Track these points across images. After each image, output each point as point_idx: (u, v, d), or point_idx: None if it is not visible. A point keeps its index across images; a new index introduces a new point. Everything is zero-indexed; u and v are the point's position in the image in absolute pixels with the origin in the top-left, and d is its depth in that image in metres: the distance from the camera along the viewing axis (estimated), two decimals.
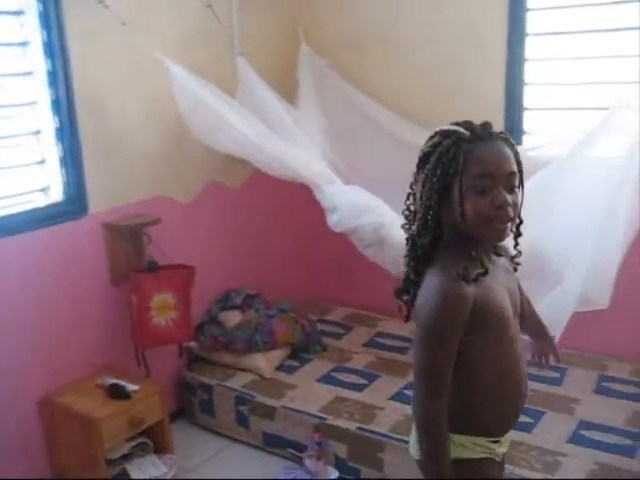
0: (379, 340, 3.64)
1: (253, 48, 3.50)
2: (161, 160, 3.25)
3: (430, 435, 1.55)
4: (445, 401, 1.53)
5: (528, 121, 3.36)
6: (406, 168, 3.27)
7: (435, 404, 1.52)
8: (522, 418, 2.71)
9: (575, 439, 2.71)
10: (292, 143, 3.17)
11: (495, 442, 1.64)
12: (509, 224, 1.52)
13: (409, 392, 3.07)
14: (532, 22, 3.22)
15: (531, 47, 3.25)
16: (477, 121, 3.30)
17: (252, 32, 3.57)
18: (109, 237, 3.03)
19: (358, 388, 3.16)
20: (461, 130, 1.53)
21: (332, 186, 3.10)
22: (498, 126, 3.21)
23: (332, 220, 3.08)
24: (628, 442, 2.67)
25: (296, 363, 3.42)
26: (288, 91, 3.50)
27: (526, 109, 3.34)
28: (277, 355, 3.39)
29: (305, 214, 3.73)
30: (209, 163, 3.45)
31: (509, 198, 1.49)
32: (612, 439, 2.70)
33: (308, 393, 3.14)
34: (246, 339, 3.33)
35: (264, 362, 3.32)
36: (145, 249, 3.11)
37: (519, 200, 1.53)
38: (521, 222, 1.61)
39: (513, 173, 1.51)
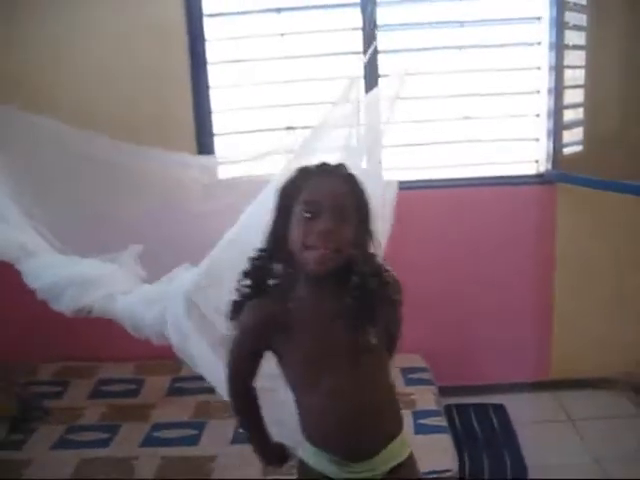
0: (104, 389, 3.43)
1: None
2: None
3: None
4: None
5: (219, 146, 3.50)
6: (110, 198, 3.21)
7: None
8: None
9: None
10: None
11: (336, 461, 1.63)
12: (330, 253, 1.51)
13: (158, 433, 3.01)
14: (211, 53, 3.38)
15: (214, 75, 3.41)
16: (170, 147, 3.38)
17: None
18: None
19: (102, 444, 2.93)
20: (309, 166, 1.62)
21: (33, 260, 2.75)
22: (191, 151, 3.41)
23: (42, 298, 2.81)
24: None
25: (20, 436, 3.03)
26: None
27: (216, 135, 3.47)
28: None
29: None
30: None
31: (330, 225, 1.50)
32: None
33: (47, 465, 2.80)
34: None
35: None
36: None
37: (349, 234, 1.53)
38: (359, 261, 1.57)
39: (341, 206, 1.52)
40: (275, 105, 3.43)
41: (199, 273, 2.49)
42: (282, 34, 3.33)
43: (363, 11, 3.30)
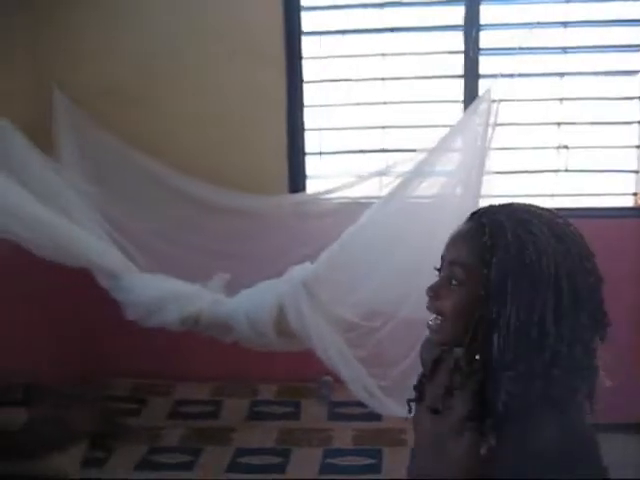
0: (182, 409, 3.35)
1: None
2: None
3: None
4: None
5: (309, 165, 3.44)
6: (195, 224, 3.23)
7: None
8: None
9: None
10: (65, 213, 2.79)
11: None
12: (434, 319, 1.17)
13: (244, 459, 2.92)
14: (307, 69, 3.33)
15: (309, 93, 3.35)
16: (259, 169, 3.35)
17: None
18: None
19: (185, 467, 2.86)
20: None
21: (131, 276, 2.84)
22: (281, 172, 3.37)
23: (133, 316, 2.87)
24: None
25: (100, 454, 2.97)
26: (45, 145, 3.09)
27: (307, 154, 3.41)
28: (79, 450, 2.92)
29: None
30: None
31: (434, 284, 1.17)
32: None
33: None
34: (40, 439, 2.82)
35: (67, 461, 2.82)
36: None
37: (454, 301, 1.13)
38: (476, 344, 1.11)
39: (455, 262, 1.14)
40: (370, 126, 3.36)
41: (318, 264, 2.76)
42: (383, 54, 3.27)
43: (466, 34, 3.22)
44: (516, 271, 1.06)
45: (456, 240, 1.16)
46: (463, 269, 1.12)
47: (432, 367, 1.29)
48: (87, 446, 2.97)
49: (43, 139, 3.04)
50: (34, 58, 3.35)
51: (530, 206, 1.15)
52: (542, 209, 1.15)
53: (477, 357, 1.10)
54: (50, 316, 3.35)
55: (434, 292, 1.16)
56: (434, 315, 1.17)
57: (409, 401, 1.31)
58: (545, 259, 1.05)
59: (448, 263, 1.16)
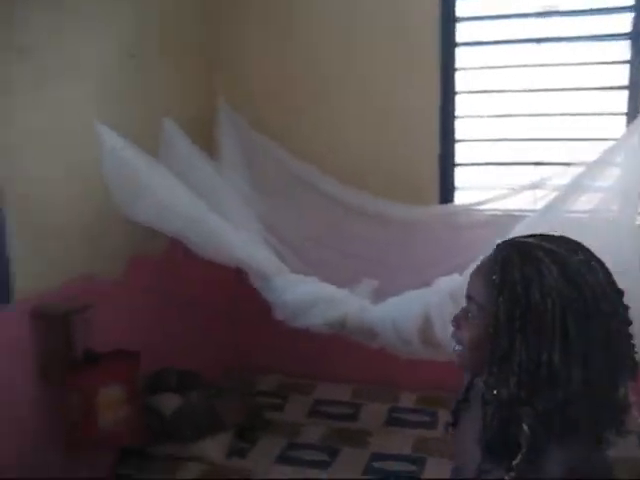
0: (322, 409, 3.47)
1: (170, 103, 3.28)
2: (82, 237, 2.87)
3: None
4: None
5: (458, 177, 3.42)
6: (345, 229, 3.33)
7: None
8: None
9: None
10: (223, 213, 2.96)
11: None
12: (458, 349, 1.17)
13: (378, 464, 2.97)
14: (460, 80, 3.32)
15: (460, 103, 3.34)
16: (411, 179, 3.39)
17: (168, 85, 3.32)
18: (36, 328, 2.63)
19: (322, 466, 2.97)
20: None
21: (281, 277, 2.97)
22: (433, 183, 3.38)
23: (282, 316, 3.00)
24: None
25: (244, 444, 3.14)
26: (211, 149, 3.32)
27: (457, 165, 3.41)
28: (226, 438, 3.10)
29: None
30: (131, 235, 3.08)
31: (458, 313, 1.17)
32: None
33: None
34: (191, 424, 3.03)
35: (215, 447, 3.02)
36: (77, 338, 2.72)
37: (470, 333, 1.13)
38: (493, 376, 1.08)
39: (470, 295, 1.15)
40: (522, 139, 3.31)
41: (467, 276, 2.57)
42: (540, 65, 3.19)
43: (633, 43, 3.06)
44: (522, 311, 1.04)
45: (476, 273, 1.16)
46: (476, 305, 1.12)
47: (464, 394, 1.29)
48: (233, 436, 3.16)
49: (204, 141, 3.27)
50: (204, 65, 3.59)
51: (552, 241, 1.11)
52: (566, 245, 1.10)
53: (495, 392, 1.08)
54: (206, 312, 3.57)
55: (456, 322, 1.18)
56: (457, 347, 1.18)
57: (447, 425, 1.30)
58: (550, 300, 1.03)
59: (467, 296, 1.16)
